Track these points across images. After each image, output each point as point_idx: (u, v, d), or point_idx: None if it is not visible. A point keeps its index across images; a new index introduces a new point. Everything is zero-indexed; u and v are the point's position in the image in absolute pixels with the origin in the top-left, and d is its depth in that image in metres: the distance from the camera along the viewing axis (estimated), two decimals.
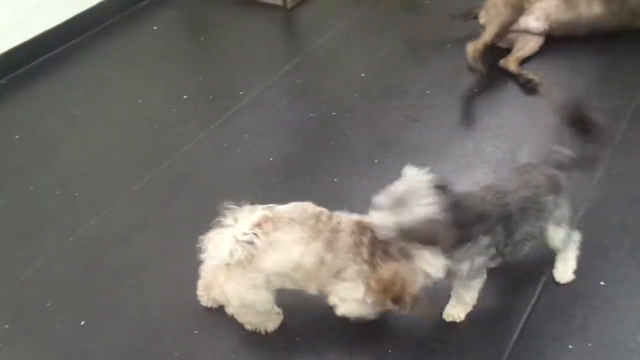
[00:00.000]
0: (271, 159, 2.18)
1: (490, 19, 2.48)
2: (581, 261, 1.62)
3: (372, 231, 1.36)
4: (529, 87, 2.36)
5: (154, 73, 2.79)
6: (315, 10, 3.09)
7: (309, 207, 1.43)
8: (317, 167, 2.13)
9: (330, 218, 1.40)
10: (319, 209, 1.42)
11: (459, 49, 2.49)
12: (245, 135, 2.32)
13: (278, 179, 2.09)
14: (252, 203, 1.41)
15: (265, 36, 2.99)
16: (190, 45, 3.03)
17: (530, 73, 2.39)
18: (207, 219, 1.92)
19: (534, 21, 2.50)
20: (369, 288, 1.34)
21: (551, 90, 2.32)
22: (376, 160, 2.12)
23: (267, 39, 2.97)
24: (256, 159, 2.19)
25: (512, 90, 2.38)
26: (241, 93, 2.53)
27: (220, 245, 1.35)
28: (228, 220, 1.37)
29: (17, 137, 2.46)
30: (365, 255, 1.36)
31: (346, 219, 1.41)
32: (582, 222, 1.71)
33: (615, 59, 2.50)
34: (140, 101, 2.59)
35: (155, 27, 3.10)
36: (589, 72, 2.45)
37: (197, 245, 1.34)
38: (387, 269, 1.31)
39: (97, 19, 3.07)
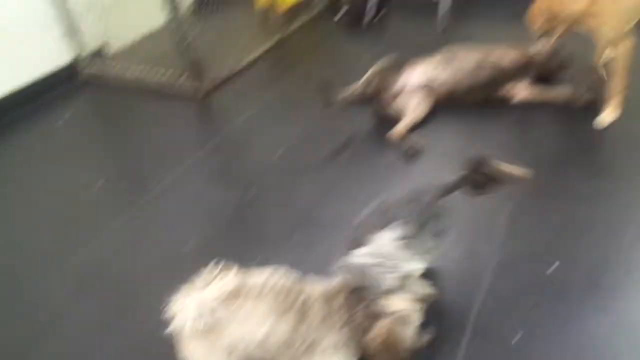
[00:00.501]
0: (191, 245, 2.15)
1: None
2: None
3: (345, 293, 1.39)
4: (409, 154, 2.48)
5: (67, 164, 2.73)
6: (229, 95, 3.19)
7: (280, 279, 1.45)
8: (238, 249, 2.11)
9: (301, 292, 1.42)
10: (290, 281, 1.44)
11: (368, 120, 2.62)
12: (162, 223, 2.28)
13: (198, 265, 2.04)
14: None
15: (180, 123, 3.03)
16: (104, 134, 3.01)
17: (411, 140, 2.54)
18: (117, 321, 1.84)
19: (417, 75, 2.74)
20: (371, 355, 1.35)
21: (433, 156, 2.48)
22: (296, 238, 2.14)
23: (181, 126, 3.01)
24: (175, 246, 2.15)
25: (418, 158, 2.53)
26: (157, 180, 2.52)
27: (186, 310, 1.36)
28: (199, 283, 1.40)
29: None
30: (344, 318, 1.37)
31: (315, 290, 1.43)
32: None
33: (509, 124, 2.71)
34: (47, 194, 2.52)
35: (63, 120, 3.05)
36: (479, 137, 2.63)
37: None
38: (379, 330, 1.33)
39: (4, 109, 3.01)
